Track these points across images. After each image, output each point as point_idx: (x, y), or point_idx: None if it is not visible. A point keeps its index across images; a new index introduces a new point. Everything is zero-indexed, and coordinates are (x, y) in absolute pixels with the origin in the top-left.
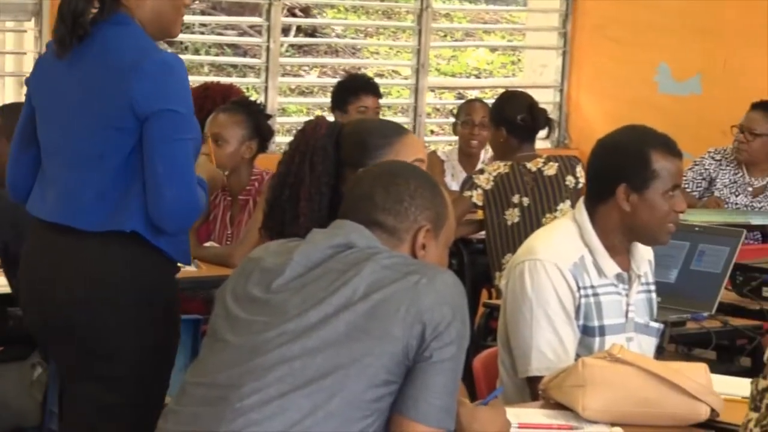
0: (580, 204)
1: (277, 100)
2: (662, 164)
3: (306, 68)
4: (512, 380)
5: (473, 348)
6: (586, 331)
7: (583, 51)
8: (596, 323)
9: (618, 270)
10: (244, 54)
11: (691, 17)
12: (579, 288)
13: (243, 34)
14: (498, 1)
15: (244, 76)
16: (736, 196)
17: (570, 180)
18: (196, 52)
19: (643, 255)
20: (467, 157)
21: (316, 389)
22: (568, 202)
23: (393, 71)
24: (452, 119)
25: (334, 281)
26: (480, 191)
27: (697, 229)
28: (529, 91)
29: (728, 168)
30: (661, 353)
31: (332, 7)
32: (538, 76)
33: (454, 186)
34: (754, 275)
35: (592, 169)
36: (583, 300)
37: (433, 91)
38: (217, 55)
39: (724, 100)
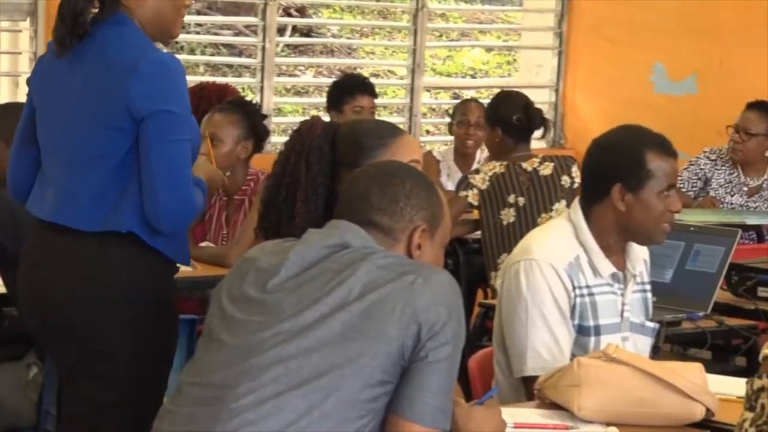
0: (576, 204)
1: (273, 100)
2: (657, 164)
3: (302, 68)
4: (508, 380)
5: (469, 348)
6: (582, 331)
7: (579, 51)
8: (591, 323)
9: (613, 269)
10: (240, 54)
11: (687, 17)
12: (574, 288)
13: (239, 33)
14: (493, 1)
15: (240, 75)
16: (732, 195)
17: (565, 180)
18: (192, 51)
19: (639, 255)
20: (463, 157)
21: (311, 389)
22: (563, 202)
23: (388, 71)
24: (448, 119)
25: (329, 281)
26: (476, 191)
27: (692, 228)
28: (525, 91)
29: (723, 168)
30: (656, 353)
31: (328, 7)
32: (534, 76)
33: (450, 186)
34: (749, 275)
35: (587, 168)
36: (578, 300)
37: (428, 91)
38: (212, 54)
39: (719, 100)
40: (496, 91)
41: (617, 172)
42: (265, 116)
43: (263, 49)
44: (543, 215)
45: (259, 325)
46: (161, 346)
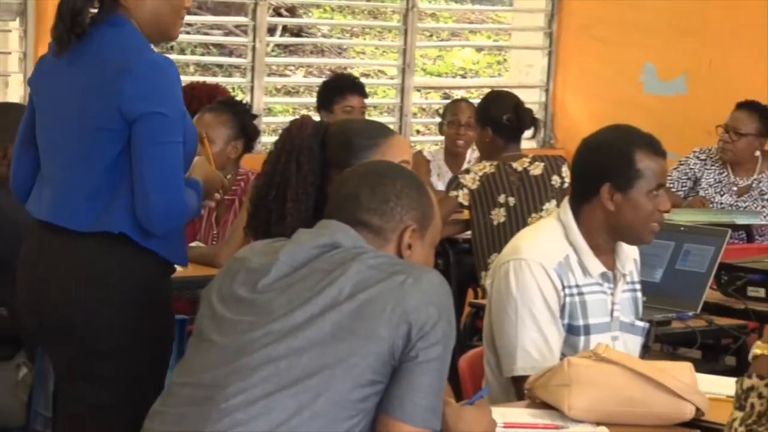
0: (565, 203)
1: (263, 100)
2: (646, 164)
3: (292, 68)
4: (498, 380)
5: (459, 348)
6: (572, 330)
7: (569, 51)
8: (581, 322)
9: (603, 269)
10: (230, 54)
11: (677, 17)
12: (564, 287)
13: (229, 33)
14: (484, 1)
15: (230, 75)
16: (721, 195)
17: (556, 180)
18: (182, 51)
19: (628, 254)
20: (453, 157)
21: (301, 389)
22: (553, 202)
23: (379, 71)
24: (438, 119)
25: (319, 281)
26: (466, 191)
27: (682, 228)
28: (515, 91)
29: (713, 168)
30: (646, 352)
31: (318, 6)
32: (524, 76)
33: (440, 186)
34: (738, 275)
35: (576, 168)
36: (568, 299)
37: (419, 90)
38: (202, 54)
39: (709, 99)
40: (487, 91)
41: (606, 171)
42: (255, 116)
43: (253, 48)
44: (533, 215)
45: (249, 325)
46: (158, 347)
